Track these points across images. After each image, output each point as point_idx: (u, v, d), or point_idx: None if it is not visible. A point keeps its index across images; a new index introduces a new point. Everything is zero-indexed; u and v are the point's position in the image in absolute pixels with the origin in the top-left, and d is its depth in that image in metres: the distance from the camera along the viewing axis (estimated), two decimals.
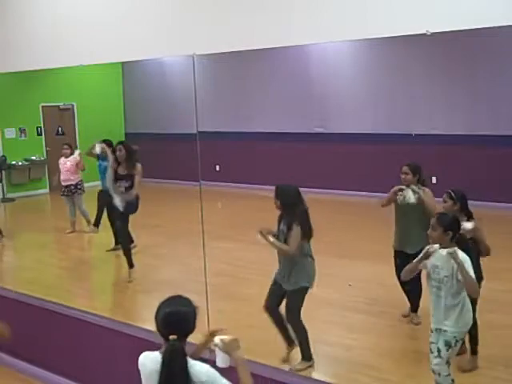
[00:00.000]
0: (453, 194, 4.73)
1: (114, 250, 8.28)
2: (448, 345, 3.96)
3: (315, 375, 4.81)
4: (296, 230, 4.70)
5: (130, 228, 7.48)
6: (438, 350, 3.98)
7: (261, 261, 7.42)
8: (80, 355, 5.77)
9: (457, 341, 3.99)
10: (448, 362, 3.99)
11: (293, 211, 4.76)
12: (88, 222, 9.56)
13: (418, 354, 5.13)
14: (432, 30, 3.90)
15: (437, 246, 4.08)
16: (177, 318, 2.87)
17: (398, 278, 5.47)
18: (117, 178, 7.14)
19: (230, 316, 5.86)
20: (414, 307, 5.62)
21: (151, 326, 5.75)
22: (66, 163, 9.42)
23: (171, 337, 2.81)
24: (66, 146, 9.58)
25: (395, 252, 5.63)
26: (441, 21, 3.94)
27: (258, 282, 6.94)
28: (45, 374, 6.01)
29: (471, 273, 3.87)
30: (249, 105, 12.68)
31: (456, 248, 3.97)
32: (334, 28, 4.46)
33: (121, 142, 7.25)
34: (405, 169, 5.54)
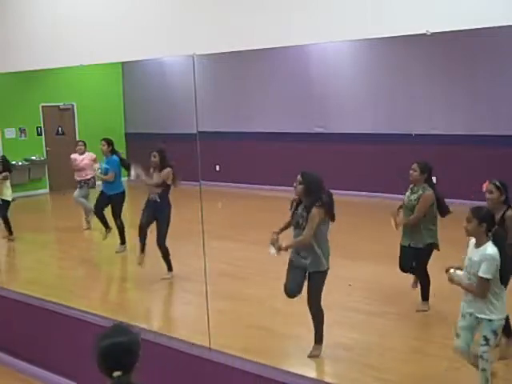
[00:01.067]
0: (499, 185, 4.80)
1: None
2: (495, 333, 4.11)
3: (315, 375, 4.82)
4: (314, 213, 4.79)
5: (131, 227, 7.48)
6: (486, 339, 4.09)
7: (261, 261, 7.42)
8: (80, 355, 5.76)
9: (500, 327, 4.16)
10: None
11: (315, 198, 4.83)
12: (87, 220, 9.62)
13: (418, 353, 5.14)
14: (432, 30, 3.90)
15: (473, 240, 4.18)
16: (117, 351, 2.50)
17: (402, 269, 5.90)
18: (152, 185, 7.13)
19: (229, 316, 5.86)
20: (425, 296, 5.80)
21: (151, 326, 5.77)
22: (82, 160, 9.52)
23: (115, 373, 2.45)
24: (80, 143, 9.71)
25: (400, 246, 5.87)
26: (441, 21, 3.94)
27: (258, 282, 6.95)
28: (45, 374, 6.01)
29: (484, 273, 3.99)
30: (249, 105, 12.68)
31: (489, 243, 4.06)
32: (334, 28, 4.46)
33: (157, 150, 7.17)
34: (414, 166, 5.75)
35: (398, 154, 9.85)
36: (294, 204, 5.05)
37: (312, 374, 4.79)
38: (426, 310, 5.77)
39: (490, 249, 4.04)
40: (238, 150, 12.81)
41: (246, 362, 4.59)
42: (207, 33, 5.16)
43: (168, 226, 7.06)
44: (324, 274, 4.95)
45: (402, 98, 10.39)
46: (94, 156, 9.46)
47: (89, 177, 9.50)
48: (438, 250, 5.76)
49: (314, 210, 4.80)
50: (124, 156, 8.74)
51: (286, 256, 5.06)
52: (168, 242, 7.08)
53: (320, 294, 4.95)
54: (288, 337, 5.46)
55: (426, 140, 9.65)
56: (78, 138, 12.81)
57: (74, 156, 9.62)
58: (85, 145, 9.68)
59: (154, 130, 13.57)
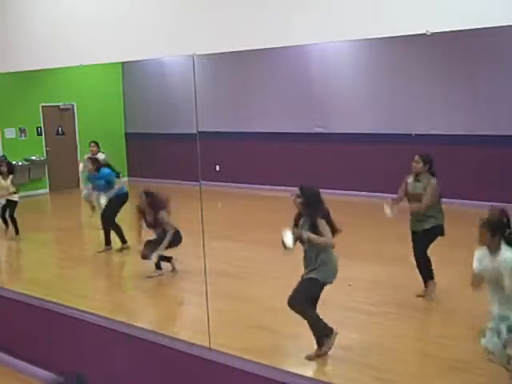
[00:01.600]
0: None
1: (104, 250, 8.39)
2: (510, 330, 4.09)
3: (315, 375, 4.81)
4: (323, 222, 4.82)
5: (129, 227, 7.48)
6: (499, 332, 4.10)
7: (261, 261, 7.44)
8: (80, 355, 5.77)
9: None
10: (505, 346, 4.10)
11: (316, 209, 4.87)
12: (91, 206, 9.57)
13: (418, 353, 5.14)
14: (432, 30, 3.91)
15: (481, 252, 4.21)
16: None
17: (415, 254, 6.02)
18: (147, 225, 7.18)
19: (229, 316, 5.86)
20: (429, 276, 5.92)
21: (151, 325, 5.76)
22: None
23: None
24: (93, 144, 9.49)
25: (411, 232, 6.05)
26: (441, 21, 3.94)
27: (257, 282, 6.95)
28: (45, 374, 6.01)
29: None
30: (249, 105, 12.68)
31: (504, 247, 4.11)
32: (334, 28, 4.46)
33: (144, 191, 7.18)
34: (416, 158, 5.99)
35: (398, 154, 9.82)
36: (296, 219, 5.02)
37: (312, 374, 4.79)
38: (427, 296, 5.88)
39: (508, 253, 4.08)
40: (238, 150, 12.81)
41: (245, 362, 4.59)
42: (207, 33, 5.16)
43: (163, 249, 7.09)
44: (315, 281, 4.89)
45: (402, 98, 10.38)
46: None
47: None
48: (443, 234, 5.88)
49: (320, 221, 4.82)
50: (124, 156, 8.73)
51: (286, 256, 5.06)
52: None
53: (305, 298, 4.88)
54: (288, 337, 5.46)
55: (425, 140, 9.64)
56: (77, 138, 12.82)
57: (87, 158, 9.45)
58: (97, 145, 9.49)
59: (154, 130, 13.58)
